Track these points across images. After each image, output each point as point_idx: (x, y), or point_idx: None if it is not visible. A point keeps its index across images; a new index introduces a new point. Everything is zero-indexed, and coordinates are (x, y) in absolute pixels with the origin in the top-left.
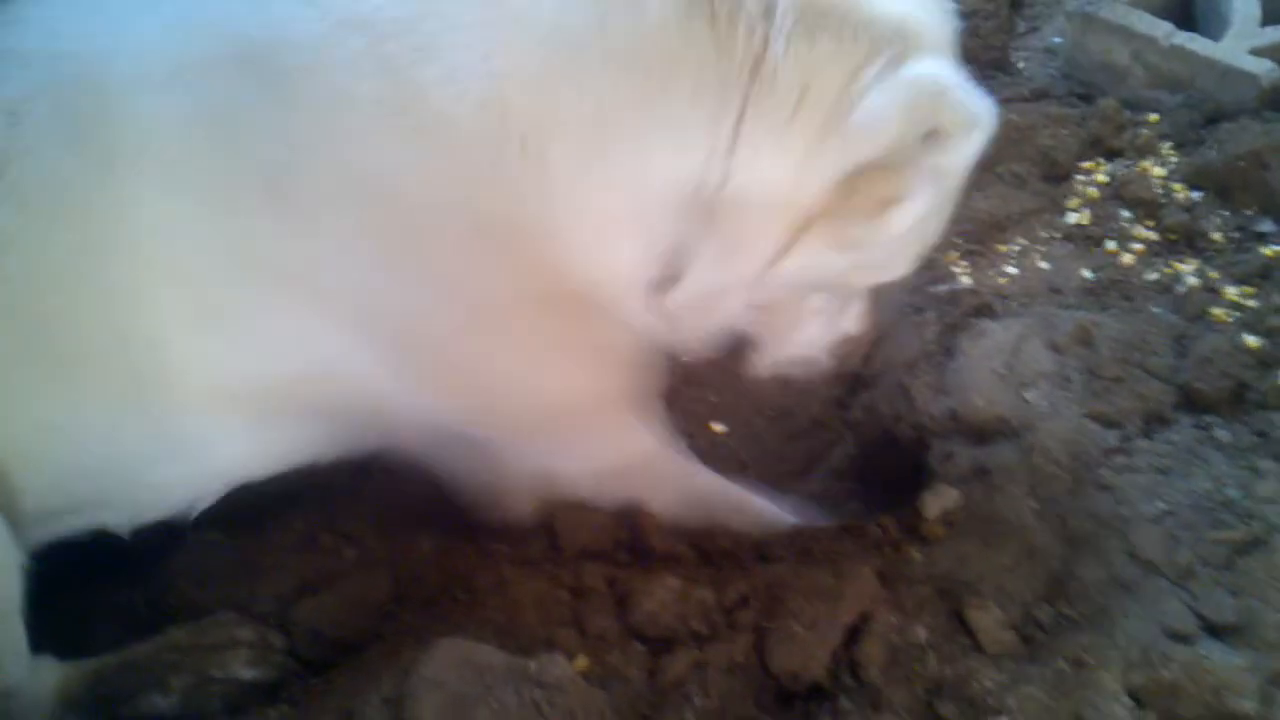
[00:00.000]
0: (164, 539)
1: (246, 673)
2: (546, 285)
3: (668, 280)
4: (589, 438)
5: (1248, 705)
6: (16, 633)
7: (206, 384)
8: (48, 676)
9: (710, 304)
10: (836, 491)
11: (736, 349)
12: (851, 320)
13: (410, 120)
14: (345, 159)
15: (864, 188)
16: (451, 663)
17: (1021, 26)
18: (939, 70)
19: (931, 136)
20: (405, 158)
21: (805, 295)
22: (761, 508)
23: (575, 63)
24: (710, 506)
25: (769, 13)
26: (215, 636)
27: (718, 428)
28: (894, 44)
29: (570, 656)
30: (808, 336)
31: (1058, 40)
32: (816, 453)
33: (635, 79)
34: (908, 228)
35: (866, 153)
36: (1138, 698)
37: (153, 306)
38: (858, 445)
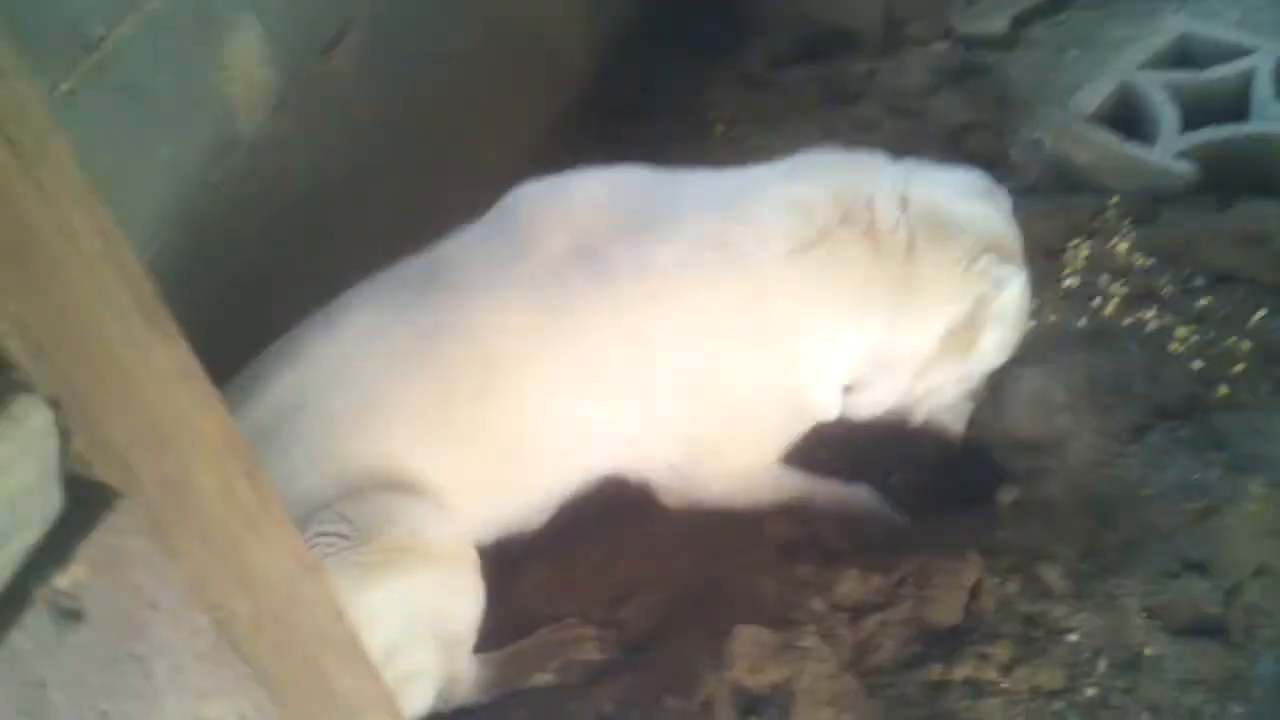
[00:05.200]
0: (504, 573)
1: (595, 655)
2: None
3: (855, 389)
4: (753, 476)
5: (1214, 608)
6: (472, 639)
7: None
8: (474, 665)
9: (882, 400)
10: (918, 487)
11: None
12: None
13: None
14: None
15: (960, 334)
16: (746, 640)
17: (1012, 123)
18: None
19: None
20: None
21: (940, 388)
22: (859, 501)
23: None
24: (819, 502)
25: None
26: (569, 633)
27: None
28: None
29: (805, 626)
30: (946, 404)
31: (1038, 136)
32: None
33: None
34: (987, 353)
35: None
36: (1150, 613)
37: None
38: (939, 456)
